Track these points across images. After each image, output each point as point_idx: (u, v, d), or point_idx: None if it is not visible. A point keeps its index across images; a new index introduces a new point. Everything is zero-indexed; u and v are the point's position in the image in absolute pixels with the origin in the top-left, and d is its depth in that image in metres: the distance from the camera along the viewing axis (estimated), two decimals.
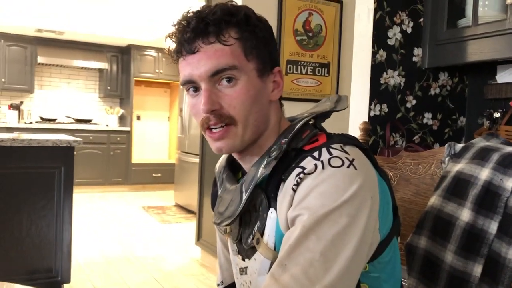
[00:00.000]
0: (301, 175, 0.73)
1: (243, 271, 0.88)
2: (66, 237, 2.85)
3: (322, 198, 0.69)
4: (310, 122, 0.85)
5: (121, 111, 7.26)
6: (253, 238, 0.83)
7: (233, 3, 0.85)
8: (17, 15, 5.69)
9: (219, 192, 0.93)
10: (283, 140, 0.81)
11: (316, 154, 0.75)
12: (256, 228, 0.83)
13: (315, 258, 0.66)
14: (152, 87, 7.57)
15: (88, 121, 7.01)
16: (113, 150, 6.86)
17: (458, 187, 0.97)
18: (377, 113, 2.05)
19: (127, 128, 7.00)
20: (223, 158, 0.98)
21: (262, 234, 0.81)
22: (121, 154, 6.92)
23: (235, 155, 0.90)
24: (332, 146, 0.76)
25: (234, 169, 0.94)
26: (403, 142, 2.12)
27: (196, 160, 4.33)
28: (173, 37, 0.83)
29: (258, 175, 0.80)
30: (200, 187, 3.60)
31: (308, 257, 0.66)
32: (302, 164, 0.75)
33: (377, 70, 2.05)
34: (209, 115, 0.79)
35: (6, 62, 6.38)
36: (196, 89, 0.82)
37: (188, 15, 0.81)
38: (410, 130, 2.16)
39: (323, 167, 0.72)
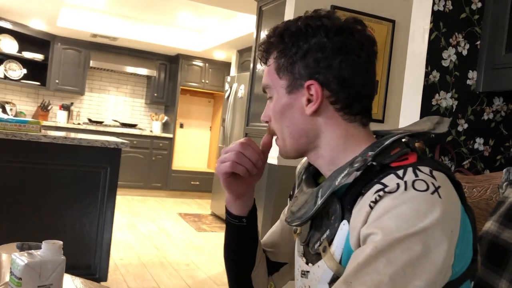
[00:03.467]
0: (381, 193, 0.70)
1: (304, 274, 0.88)
2: (107, 236, 2.92)
3: (399, 220, 0.66)
4: (403, 140, 0.81)
5: (165, 118, 7.41)
6: (320, 245, 0.82)
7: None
8: (76, 20, 5.94)
9: (295, 192, 0.97)
10: (369, 153, 0.78)
11: (400, 172, 0.72)
12: (325, 236, 0.81)
13: (383, 281, 0.64)
14: (196, 96, 7.70)
15: (133, 126, 7.20)
16: (155, 155, 7.00)
17: None
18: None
19: (170, 135, 7.13)
20: (305, 158, 0.98)
21: (330, 244, 0.80)
22: (162, 160, 7.04)
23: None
24: (420, 168, 0.72)
25: (317, 174, 0.94)
26: (452, 166, 2.06)
27: None
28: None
29: (336, 183, 0.78)
30: None
31: (376, 280, 0.64)
32: (384, 180, 0.72)
33: (429, 91, 2.01)
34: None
35: (61, 64, 6.66)
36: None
37: (268, 33, 0.90)
38: (459, 155, 2.10)
39: (405, 188, 0.69)
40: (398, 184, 0.70)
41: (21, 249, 0.78)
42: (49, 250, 0.60)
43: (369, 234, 0.69)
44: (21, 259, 0.57)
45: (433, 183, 0.70)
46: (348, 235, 0.76)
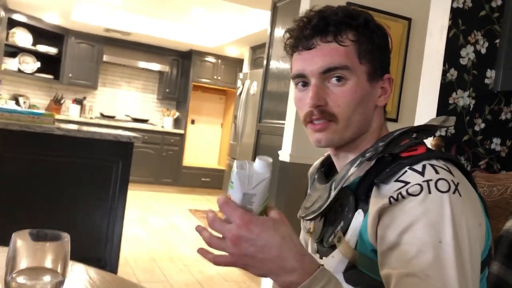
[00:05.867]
0: (404, 193, 0.71)
1: None
2: (117, 229, 2.93)
3: (431, 230, 0.68)
4: (413, 136, 0.83)
5: (177, 114, 7.43)
6: (334, 237, 0.83)
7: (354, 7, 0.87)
8: (90, 15, 5.97)
9: (308, 191, 0.96)
10: (380, 144, 0.80)
11: (419, 167, 0.73)
12: (339, 228, 0.82)
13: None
14: (208, 93, 7.70)
15: (144, 121, 7.22)
16: (166, 151, 7.02)
17: None
18: (443, 133, 1.98)
19: (181, 131, 7.15)
20: (318, 161, 1.00)
21: (344, 234, 0.81)
22: (173, 155, 7.06)
23: (330, 151, 0.91)
24: (436, 163, 0.74)
25: (329, 174, 0.95)
26: (469, 166, 2.03)
27: None
28: (292, 32, 0.86)
29: (349, 173, 0.80)
30: None
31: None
32: (404, 178, 0.73)
33: (446, 89, 1.98)
34: (314, 109, 0.82)
35: (75, 58, 6.69)
36: (305, 84, 0.85)
37: (310, 13, 0.85)
38: (476, 155, 2.07)
39: (429, 191, 0.70)
40: (421, 187, 0.70)
41: (35, 236, 0.78)
42: (259, 164, 0.67)
43: (401, 246, 0.69)
44: (236, 167, 0.67)
45: (452, 181, 0.71)
46: (364, 223, 0.77)
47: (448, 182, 0.70)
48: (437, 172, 0.72)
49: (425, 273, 0.65)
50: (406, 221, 0.69)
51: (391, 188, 0.73)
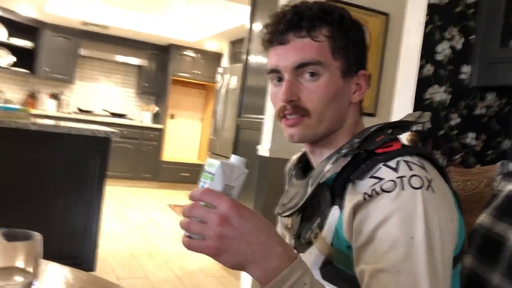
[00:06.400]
0: (377, 189, 0.72)
1: None
2: (95, 226, 2.90)
3: (403, 225, 0.68)
4: (388, 132, 0.83)
5: (156, 108, 7.36)
6: (311, 233, 0.83)
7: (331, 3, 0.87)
8: (65, 7, 5.85)
9: (286, 187, 0.95)
10: (356, 140, 0.81)
11: (393, 164, 0.74)
12: (316, 224, 0.83)
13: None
14: (188, 87, 7.64)
15: (122, 116, 7.13)
16: (145, 146, 6.95)
17: (510, 207, 0.93)
18: (420, 128, 2.00)
19: (161, 126, 7.09)
20: (295, 156, 0.99)
21: (321, 229, 0.81)
22: (152, 151, 7.00)
23: (306, 147, 0.91)
24: (410, 160, 0.75)
25: (306, 169, 0.94)
26: (444, 160, 2.06)
27: None
28: (268, 27, 0.86)
29: (325, 169, 0.80)
30: None
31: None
32: (378, 174, 0.74)
33: (423, 84, 2.00)
34: (286, 104, 0.82)
35: (51, 52, 6.56)
36: (280, 79, 0.85)
37: (286, 8, 0.84)
38: (451, 149, 2.10)
39: (402, 187, 0.71)
40: (394, 183, 0.71)
41: (7, 236, 0.77)
42: (236, 159, 0.70)
43: (375, 242, 0.70)
44: (215, 161, 0.69)
45: (426, 177, 0.72)
46: (340, 219, 0.77)
47: (421, 179, 0.71)
48: (410, 169, 0.73)
49: (397, 268, 0.66)
50: (380, 217, 0.70)
51: (365, 184, 0.74)
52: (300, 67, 0.81)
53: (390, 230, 0.68)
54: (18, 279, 0.76)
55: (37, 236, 0.78)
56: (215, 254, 0.63)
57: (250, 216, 0.63)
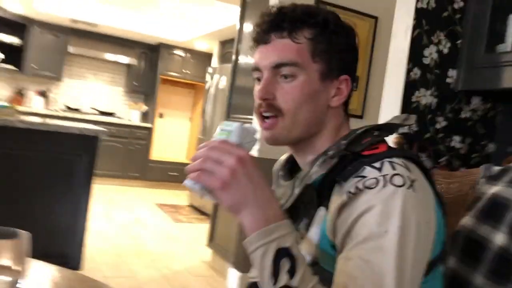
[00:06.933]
0: (360, 186, 0.73)
1: None
2: (82, 225, 2.88)
3: (380, 218, 0.70)
4: (374, 134, 0.84)
5: (145, 107, 7.33)
6: (298, 234, 0.83)
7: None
8: (54, 4, 5.80)
9: (272, 187, 0.95)
10: (343, 142, 0.82)
11: (377, 164, 0.75)
12: (302, 225, 0.84)
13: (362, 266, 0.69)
14: (177, 87, 7.62)
15: (111, 114, 7.09)
16: (133, 145, 6.92)
17: (493, 210, 0.95)
18: (406, 131, 2.02)
19: (149, 125, 7.06)
20: (283, 157, 1.00)
21: (307, 230, 0.82)
22: (140, 150, 6.97)
23: (291, 150, 0.93)
24: (395, 160, 0.76)
25: (293, 171, 0.95)
26: (429, 163, 2.08)
27: None
28: (256, 26, 0.87)
29: (312, 171, 0.81)
30: None
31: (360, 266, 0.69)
32: (363, 173, 0.75)
33: (410, 88, 2.03)
34: (262, 102, 0.84)
35: (39, 49, 6.49)
36: (261, 78, 0.86)
37: (273, 8, 0.86)
38: (437, 152, 2.13)
39: (384, 185, 0.72)
40: (377, 180, 0.73)
41: None
42: (251, 127, 0.75)
43: (352, 232, 0.72)
44: (233, 123, 0.75)
45: (408, 177, 0.73)
46: (325, 220, 0.78)
47: (403, 178, 0.73)
48: (394, 168, 0.74)
49: (367, 258, 0.68)
50: (360, 210, 0.72)
51: (350, 182, 0.75)
52: (277, 67, 0.83)
53: (367, 223, 0.70)
54: (4, 277, 0.76)
55: (24, 234, 0.78)
56: (221, 187, 0.69)
57: (260, 173, 0.71)
